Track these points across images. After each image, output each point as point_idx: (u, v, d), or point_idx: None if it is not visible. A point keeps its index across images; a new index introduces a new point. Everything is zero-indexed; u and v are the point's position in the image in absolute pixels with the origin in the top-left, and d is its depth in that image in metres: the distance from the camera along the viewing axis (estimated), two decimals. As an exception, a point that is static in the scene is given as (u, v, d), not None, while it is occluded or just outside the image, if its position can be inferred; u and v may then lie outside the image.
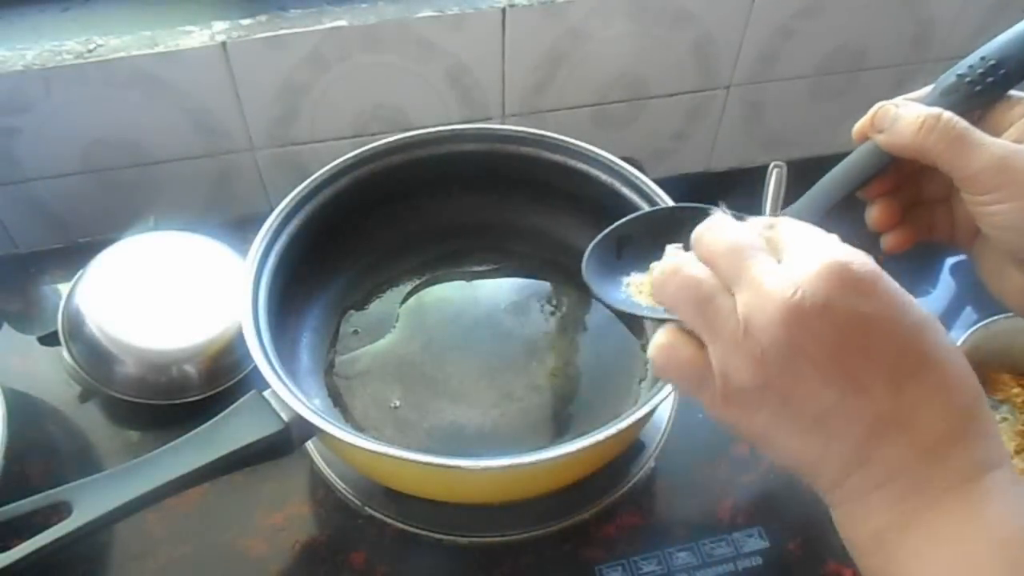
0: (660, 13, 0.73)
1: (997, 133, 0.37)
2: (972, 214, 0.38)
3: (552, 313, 0.62)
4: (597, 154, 0.60)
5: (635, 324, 0.61)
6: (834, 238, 0.33)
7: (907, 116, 0.38)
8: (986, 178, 0.36)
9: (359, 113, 0.73)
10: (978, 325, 0.67)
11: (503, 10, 0.69)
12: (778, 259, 0.32)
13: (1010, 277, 0.39)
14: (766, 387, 0.31)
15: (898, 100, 0.40)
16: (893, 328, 0.30)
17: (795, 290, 0.29)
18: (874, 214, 0.42)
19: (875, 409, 0.30)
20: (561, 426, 0.56)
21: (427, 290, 0.64)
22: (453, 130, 0.62)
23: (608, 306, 0.40)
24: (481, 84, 0.74)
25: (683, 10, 0.73)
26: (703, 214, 0.43)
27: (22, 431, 0.55)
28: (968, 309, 0.81)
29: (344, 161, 0.59)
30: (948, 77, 0.39)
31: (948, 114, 0.37)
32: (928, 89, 0.40)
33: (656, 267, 0.35)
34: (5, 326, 0.65)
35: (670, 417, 0.59)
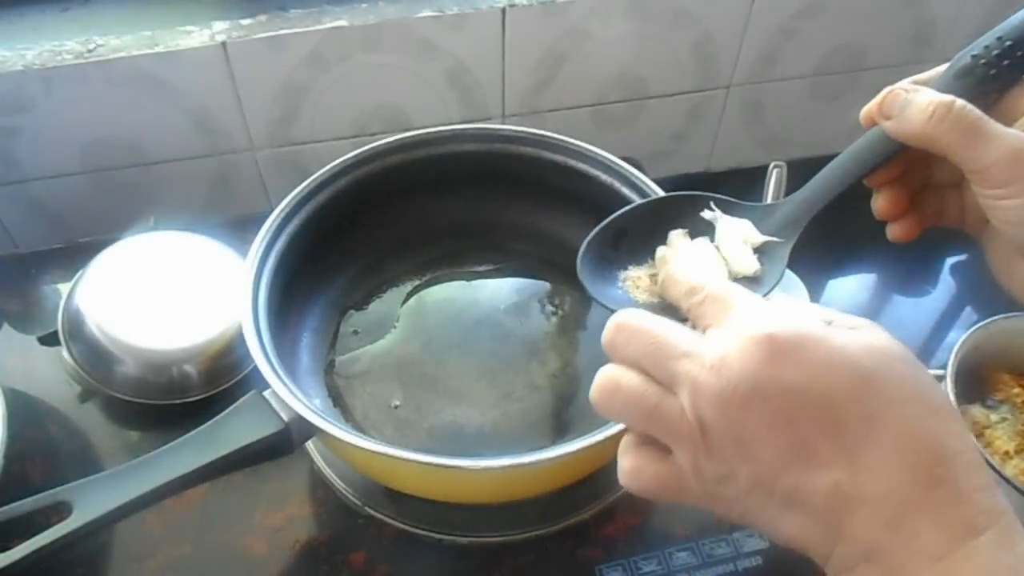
0: (660, 13, 0.73)
1: (1014, 118, 0.36)
2: (983, 207, 0.36)
3: (552, 313, 0.62)
4: (597, 154, 0.60)
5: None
6: (759, 300, 0.32)
7: (917, 103, 0.36)
8: (998, 172, 0.34)
9: (359, 113, 0.73)
10: (978, 325, 0.67)
11: (503, 10, 0.69)
12: (704, 329, 0.31)
13: (1018, 269, 0.37)
14: (732, 476, 0.30)
15: (908, 84, 0.38)
16: (827, 392, 0.28)
17: (725, 381, 0.29)
18: (880, 203, 0.41)
19: (832, 478, 0.28)
20: (561, 426, 0.56)
21: (427, 290, 0.64)
22: (453, 130, 0.62)
23: (604, 306, 0.40)
24: (481, 84, 0.74)
25: (683, 10, 0.73)
26: (699, 202, 0.43)
27: (22, 431, 0.55)
28: (968, 309, 0.81)
29: (344, 161, 0.59)
30: (963, 58, 0.37)
31: (960, 102, 0.35)
32: (941, 69, 0.38)
33: (595, 383, 0.34)
34: (5, 326, 0.65)
35: (670, 417, 0.59)
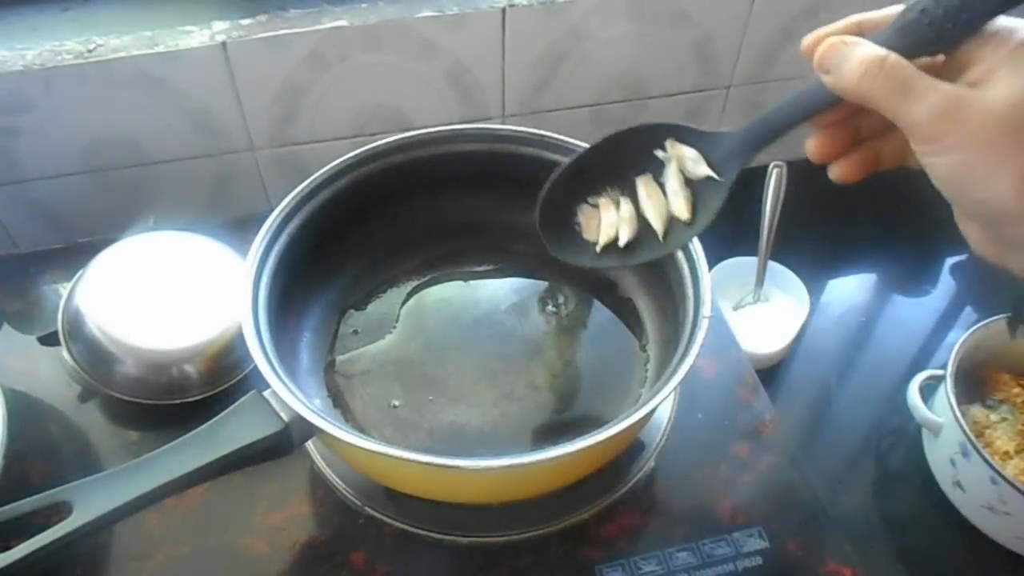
0: (660, 13, 0.73)
1: (961, 70, 0.35)
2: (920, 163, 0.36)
3: (552, 313, 0.62)
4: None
5: (636, 325, 0.61)
6: None
7: (852, 60, 0.35)
8: (928, 127, 0.34)
9: (359, 113, 0.73)
10: (978, 325, 0.67)
11: (503, 10, 0.69)
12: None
13: (963, 223, 0.37)
14: None
15: (847, 34, 0.37)
16: None
17: None
18: (811, 145, 0.41)
19: None
20: (561, 426, 0.56)
21: (427, 290, 0.64)
22: (453, 130, 0.62)
23: (564, 262, 0.43)
24: (481, 84, 0.74)
25: (683, 10, 0.73)
26: (666, 131, 0.44)
27: (22, 431, 0.55)
28: (968, 309, 0.81)
29: (344, 161, 0.59)
30: (911, 11, 0.35)
31: (894, 58, 0.34)
32: (894, 11, 0.37)
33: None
34: (5, 326, 0.65)
35: (670, 417, 0.59)
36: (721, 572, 0.53)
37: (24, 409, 0.58)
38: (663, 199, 0.45)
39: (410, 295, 0.63)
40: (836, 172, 0.41)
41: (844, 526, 0.55)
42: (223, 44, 0.65)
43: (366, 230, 0.63)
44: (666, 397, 0.48)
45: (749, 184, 0.68)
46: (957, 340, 0.66)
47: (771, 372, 0.67)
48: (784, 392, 0.72)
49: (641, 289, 0.62)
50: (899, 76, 0.34)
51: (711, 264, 0.54)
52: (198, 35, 0.66)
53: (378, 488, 0.54)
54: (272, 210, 0.56)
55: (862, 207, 0.86)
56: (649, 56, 0.76)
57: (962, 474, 0.63)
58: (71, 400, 0.61)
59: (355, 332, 0.61)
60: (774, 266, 0.76)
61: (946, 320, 0.81)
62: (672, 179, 0.45)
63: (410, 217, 0.64)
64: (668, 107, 0.80)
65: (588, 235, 0.47)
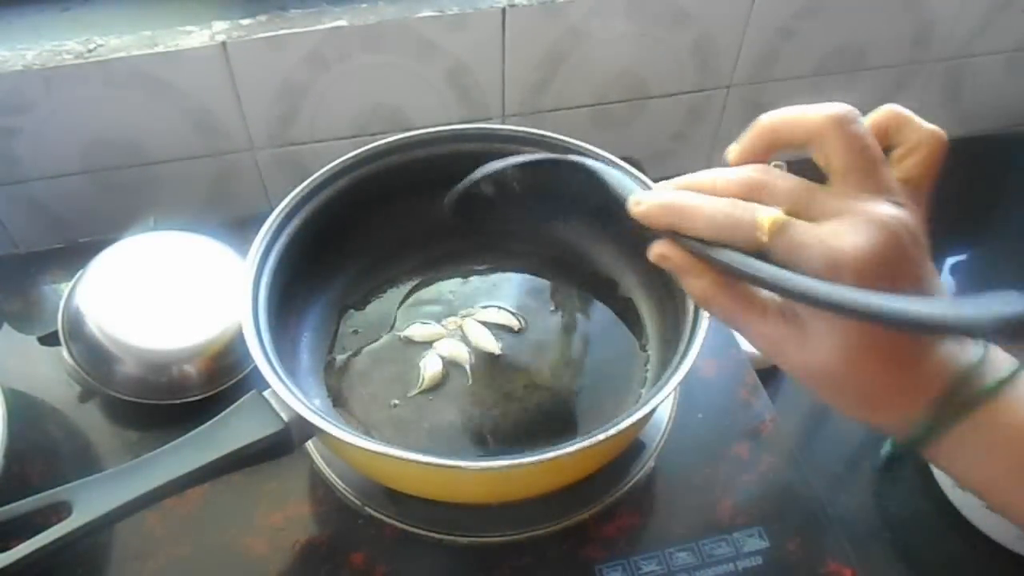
0: (660, 13, 0.73)
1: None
2: None
3: (552, 313, 0.62)
4: (597, 154, 0.60)
5: (636, 325, 0.61)
6: None
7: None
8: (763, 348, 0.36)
9: (359, 113, 0.73)
10: (978, 325, 0.67)
11: (503, 10, 0.69)
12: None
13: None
14: None
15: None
16: None
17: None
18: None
19: None
20: (561, 426, 0.56)
21: (427, 290, 0.64)
22: (453, 130, 0.62)
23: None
24: (481, 84, 0.74)
25: (683, 10, 0.73)
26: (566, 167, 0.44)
27: (22, 431, 0.55)
28: (968, 309, 0.81)
29: (344, 161, 0.59)
30: None
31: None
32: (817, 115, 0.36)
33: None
34: (5, 326, 0.65)
35: (670, 417, 0.59)
36: (721, 572, 0.53)
37: (24, 409, 0.58)
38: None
39: (410, 295, 0.63)
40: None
41: (844, 526, 0.55)
42: (223, 44, 0.65)
43: (366, 230, 0.63)
44: (666, 397, 0.48)
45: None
46: (957, 340, 0.66)
47: (771, 372, 0.67)
48: (784, 392, 0.72)
49: (641, 289, 0.62)
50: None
51: (711, 264, 0.54)
52: (198, 35, 0.66)
53: (378, 488, 0.54)
54: (272, 210, 0.56)
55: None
56: (649, 56, 0.76)
57: (962, 474, 0.63)
58: (71, 400, 0.61)
59: (355, 332, 0.61)
60: (774, 266, 0.76)
61: (946, 320, 0.81)
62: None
63: (410, 217, 0.64)
64: (668, 107, 0.80)
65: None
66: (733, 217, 0.34)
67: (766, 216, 0.33)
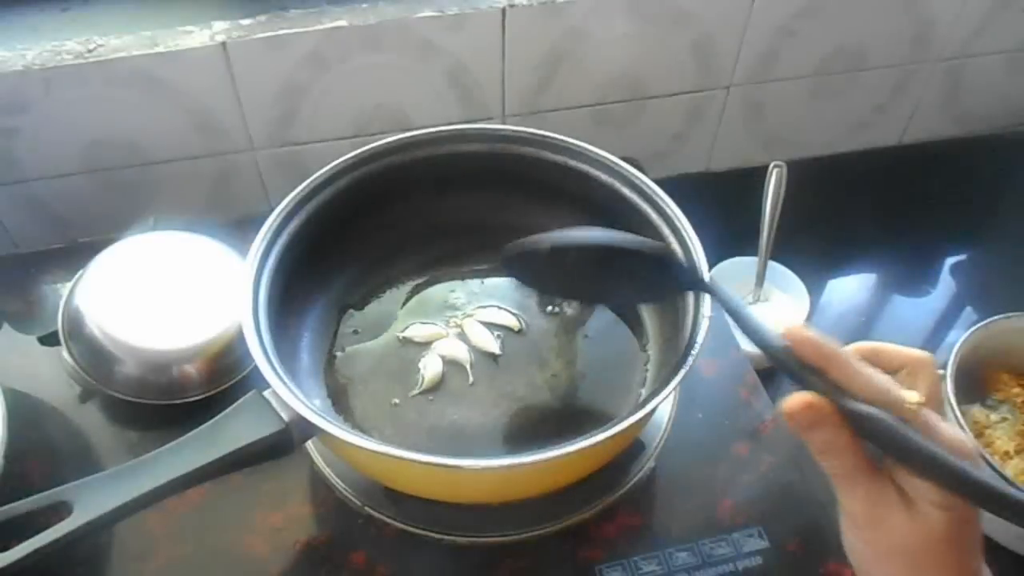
0: (660, 13, 0.73)
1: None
2: None
3: (552, 313, 0.62)
4: (597, 154, 0.60)
5: (636, 325, 0.61)
6: None
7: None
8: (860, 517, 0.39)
9: (359, 113, 0.73)
10: (978, 325, 0.67)
11: (503, 10, 0.69)
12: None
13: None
14: None
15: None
16: None
17: None
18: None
19: None
20: (561, 426, 0.56)
21: (427, 290, 0.64)
22: (453, 130, 0.62)
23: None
24: (481, 84, 0.74)
25: (683, 10, 0.73)
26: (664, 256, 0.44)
27: (22, 431, 0.55)
28: (968, 309, 0.81)
29: (344, 161, 0.59)
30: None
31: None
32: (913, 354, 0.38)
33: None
34: (5, 326, 0.65)
35: (670, 417, 0.59)
36: (721, 572, 0.53)
37: (24, 409, 0.58)
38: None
39: (410, 295, 0.63)
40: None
41: (844, 526, 0.55)
42: (223, 44, 0.65)
43: (366, 230, 0.63)
44: (666, 397, 0.48)
45: (749, 184, 0.68)
46: (957, 340, 0.66)
47: (771, 372, 0.67)
48: (784, 392, 0.72)
49: (641, 289, 0.62)
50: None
51: (711, 264, 0.54)
52: (198, 35, 0.66)
53: (378, 488, 0.54)
54: (272, 210, 0.56)
55: (862, 207, 0.86)
56: (649, 56, 0.76)
57: (962, 474, 0.63)
58: (71, 400, 0.61)
59: (355, 332, 0.61)
60: (774, 266, 0.76)
61: (946, 320, 0.81)
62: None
63: (410, 217, 0.64)
64: (668, 107, 0.80)
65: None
66: (887, 383, 0.36)
67: (914, 394, 0.36)
